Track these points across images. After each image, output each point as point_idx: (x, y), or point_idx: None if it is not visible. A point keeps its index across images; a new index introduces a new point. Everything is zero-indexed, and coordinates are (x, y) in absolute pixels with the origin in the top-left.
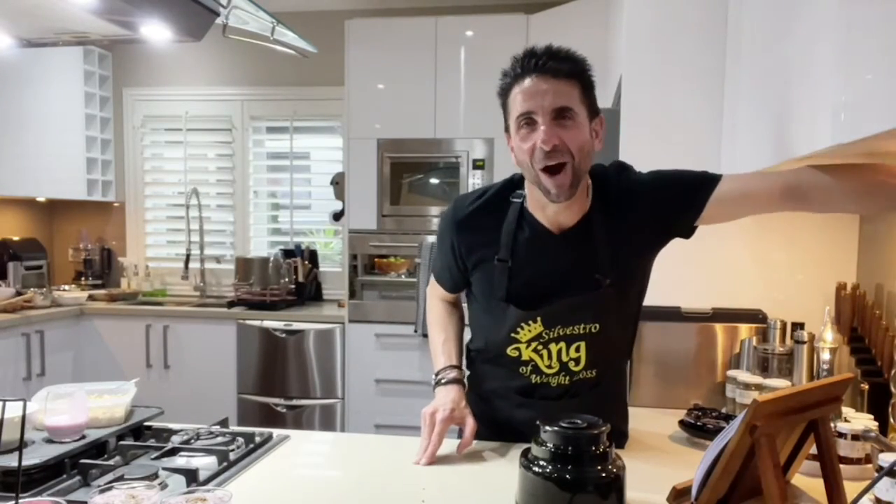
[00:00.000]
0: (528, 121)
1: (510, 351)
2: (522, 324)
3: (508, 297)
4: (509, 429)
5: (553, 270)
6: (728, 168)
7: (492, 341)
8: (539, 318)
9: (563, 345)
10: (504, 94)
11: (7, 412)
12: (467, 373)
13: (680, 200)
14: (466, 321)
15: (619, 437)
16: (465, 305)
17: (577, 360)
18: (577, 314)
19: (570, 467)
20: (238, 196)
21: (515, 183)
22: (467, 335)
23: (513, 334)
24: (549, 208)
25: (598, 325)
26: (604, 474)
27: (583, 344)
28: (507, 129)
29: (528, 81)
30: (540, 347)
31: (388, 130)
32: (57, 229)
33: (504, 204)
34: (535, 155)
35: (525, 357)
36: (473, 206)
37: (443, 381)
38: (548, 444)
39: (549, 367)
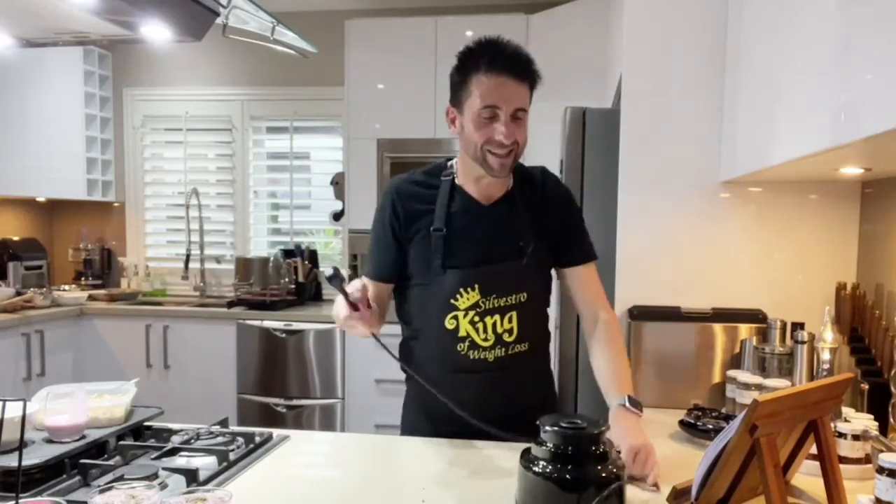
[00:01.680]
0: (491, 113)
1: (448, 322)
2: (461, 290)
3: (444, 265)
4: (452, 415)
5: (484, 237)
6: (728, 168)
7: (429, 315)
8: (477, 286)
9: (497, 317)
10: (466, 73)
11: (7, 412)
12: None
13: (567, 242)
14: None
15: (551, 400)
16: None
17: (510, 332)
18: (508, 281)
19: (570, 467)
20: (238, 196)
21: (446, 164)
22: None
23: (452, 300)
24: (482, 181)
25: (525, 295)
26: (604, 474)
27: (514, 314)
28: (453, 103)
29: (499, 77)
30: (476, 319)
31: (388, 130)
32: (57, 229)
33: (435, 181)
34: (490, 142)
35: (462, 332)
36: (410, 179)
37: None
38: (548, 444)
39: (486, 339)
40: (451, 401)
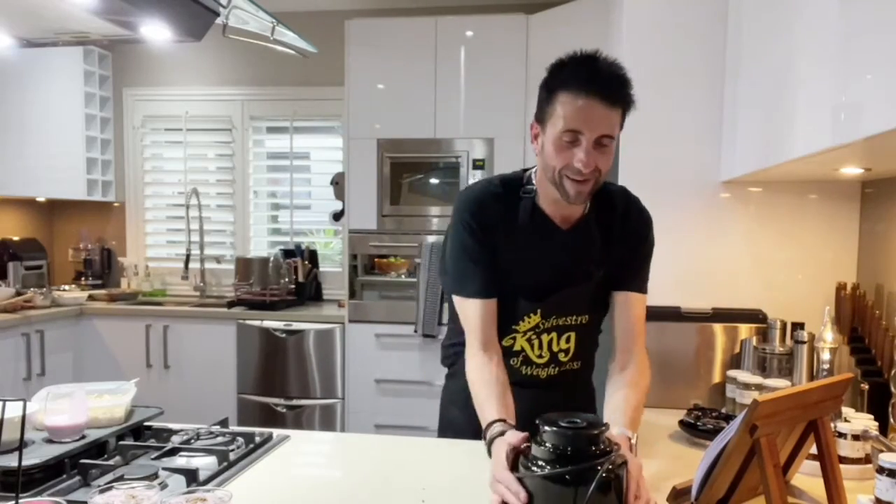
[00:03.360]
0: (573, 137)
1: (505, 341)
2: (525, 315)
3: (517, 288)
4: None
5: (558, 263)
6: (728, 168)
7: None
8: (539, 310)
9: (554, 335)
10: (553, 90)
11: (7, 412)
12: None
13: (629, 267)
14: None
15: (590, 411)
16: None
17: (566, 351)
18: (573, 304)
19: (569, 467)
20: (238, 196)
21: (526, 178)
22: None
23: (514, 325)
24: (561, 204)
25: (587, 317)
26: (604, 474)
27: (573, 335)
28: (538, 118)
29: (588, 100)
30: (533, 337)
31: (388, 130)
32: (57, 229)
33: (514, 196)
34: (569, 168)
35: (517, 347)
36: (489, 191)
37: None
38: (547, 444)
39: (540, 356)
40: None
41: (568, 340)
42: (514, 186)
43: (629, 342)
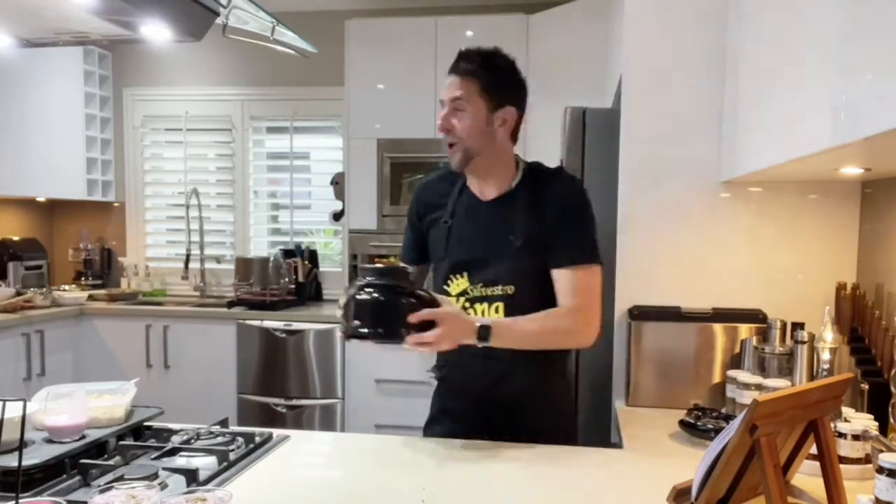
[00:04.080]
0: (441, 106)
1: None
2: (451, 276)
3: (446, 254)
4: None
5: (478, 232)
6: (728, 168)
7: None
8: (465, 273)
9: (485, 305)
10: None
11: (7, 412)
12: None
13: (556, 243)
14: None
15: (542, 389)
16: None
17: None
18: (497, 274)
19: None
20: (238, 196)
21: None
22: None
23: (445, 286)
24: (474, 181)
25: (513, 288)
26: (367, 287)
27: (501, 305)
28: None
29: (448, 76)
30: (467, 305)
31: (388, 130)
32: (57, 229)
33: (455, 177)
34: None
35: None
36: (433, 176)
37: None
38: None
39: None
40: (442, 381)
41: (497, 311)
42: (457, 171)
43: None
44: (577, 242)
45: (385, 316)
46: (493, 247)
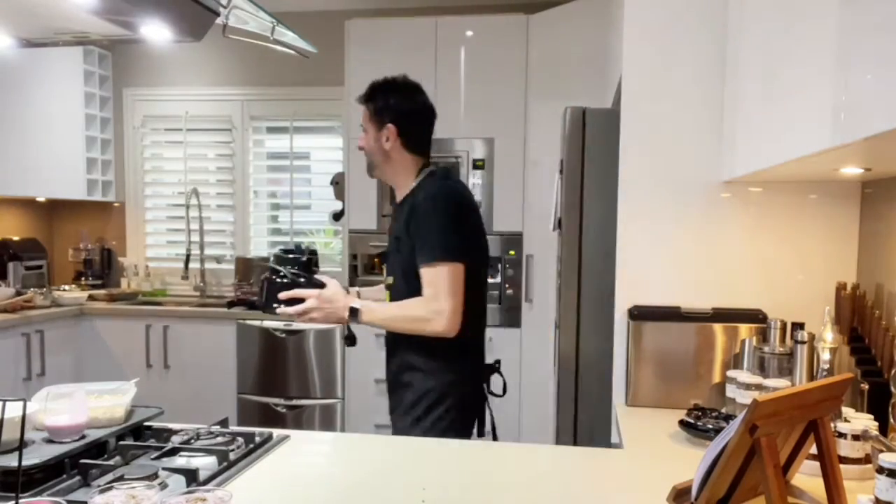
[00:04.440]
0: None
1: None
2: (382, 267)
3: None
4: None
5: (390, 231)
6: (728, 168)
7: None
8: (384, 265)
9: (387, 292)
10: None
11: (7, 412)
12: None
13: (416, 243)
14: None
15: (418, 369)
16: None
17: None
18: (391, 267)
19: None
20: (238, 196)
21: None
22: None
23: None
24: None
25: (392, 279)
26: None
27: (388, 294)
28: None
29: None
30: (386, 291)
31: None
32: (57, 229)
33: None
34: None
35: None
36: None
37: None
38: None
39: None
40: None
41: (388, 298)
42: None
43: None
44: (424, 245)
45: (268, 293)
46: (390, 244)
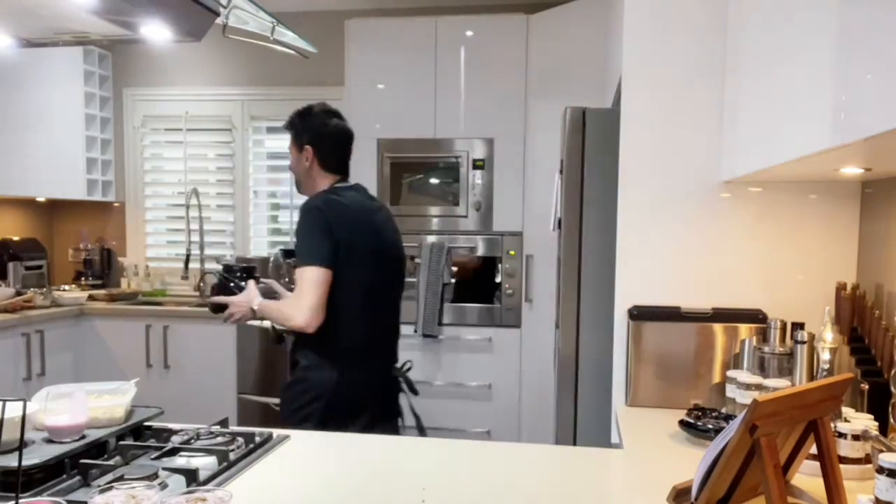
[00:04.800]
0: None
1: None
2: None
3: None
4: None
5: None
6: (728, 168)
7: None
8: None
9: None
10: None
11: (7, 412)
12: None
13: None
14: None
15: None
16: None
17: None
18: None
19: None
20: (238, 196)
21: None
22: None
23: None
24: None
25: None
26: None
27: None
28: None
29: None
30: None
31: (388, 130)
32: (57, 229)
33: None
34: None
35: None
36: None
37: None
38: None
39: None
40: None
41: None
42: None
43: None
44: (295, 251)
45: (210, 297)
46: None
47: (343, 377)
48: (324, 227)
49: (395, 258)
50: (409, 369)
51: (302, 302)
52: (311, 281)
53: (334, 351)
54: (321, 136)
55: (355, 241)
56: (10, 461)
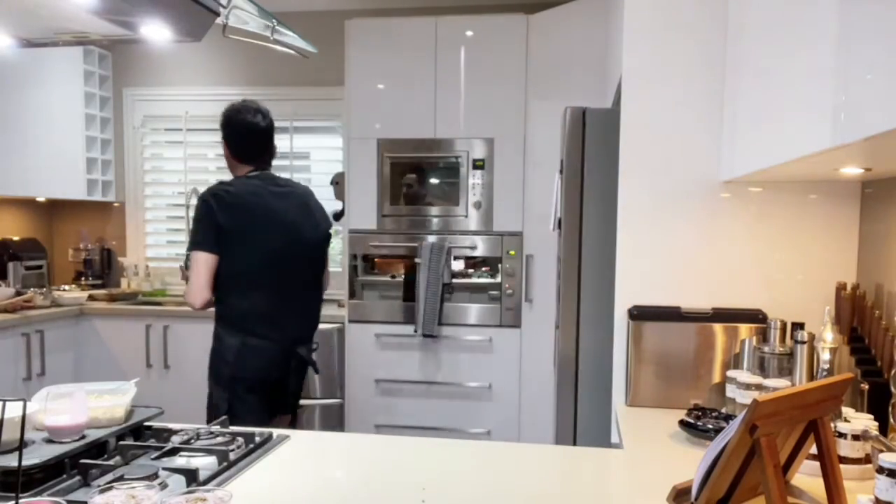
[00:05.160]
0: None
1: None
2: None
3: None
4: None
5: None
6: (728, 168)
7: None
8: None
9: None
10: None
11: (7, 412)
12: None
13: None
14: None
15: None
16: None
17: None
18: None
19: None
20: None
21: None
22: None
23: None
24: None
25: None
26: None
27: None
28: None
29: None
30: None
31: (388, 130)
32: (57, 229)
33: None
34: None
35: None
36: None
37: None
38: None
39: None
40: None
41: None
42: None
43: None
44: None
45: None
46: None
47: (245, 347)
48: (208, 215)
49: (297, 238)
50: (314, 349)
51: (192, 283)
52: (196, 265)
53: (233, 322)
54: (231, 131)
55: (242, 225)
56: (10, 461)
